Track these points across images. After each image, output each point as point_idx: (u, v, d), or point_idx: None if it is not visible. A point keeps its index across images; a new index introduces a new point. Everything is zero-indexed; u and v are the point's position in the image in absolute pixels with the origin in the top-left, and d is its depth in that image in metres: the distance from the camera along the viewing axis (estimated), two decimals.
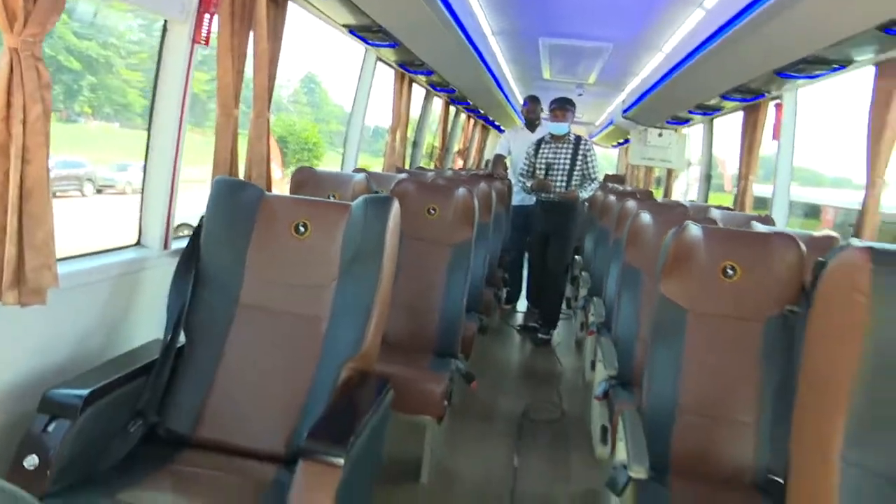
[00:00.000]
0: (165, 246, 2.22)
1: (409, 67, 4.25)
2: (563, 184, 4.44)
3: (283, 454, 1.72)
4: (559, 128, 4.45)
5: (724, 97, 3.87)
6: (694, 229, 2.04)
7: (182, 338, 1.88)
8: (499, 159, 5.60)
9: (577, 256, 5.46)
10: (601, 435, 2.49)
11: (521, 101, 5.64)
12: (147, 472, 1.57)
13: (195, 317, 1.90)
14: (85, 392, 1.50)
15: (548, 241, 4.65)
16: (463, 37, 3.61)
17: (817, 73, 2.76)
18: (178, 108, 2.13)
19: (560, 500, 2.58)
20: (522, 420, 3.33)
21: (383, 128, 5.34)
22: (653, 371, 1.97)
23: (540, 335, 4.78)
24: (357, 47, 4.14)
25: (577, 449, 3.03)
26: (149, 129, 2.17)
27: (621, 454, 1.91)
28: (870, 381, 1.03)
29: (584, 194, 4.47)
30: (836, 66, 2.60)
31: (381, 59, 4.28)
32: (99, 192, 11.57)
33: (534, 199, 4.85)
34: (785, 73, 2.85)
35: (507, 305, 5.47)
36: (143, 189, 2.19)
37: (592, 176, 4.49)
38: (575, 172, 4.44)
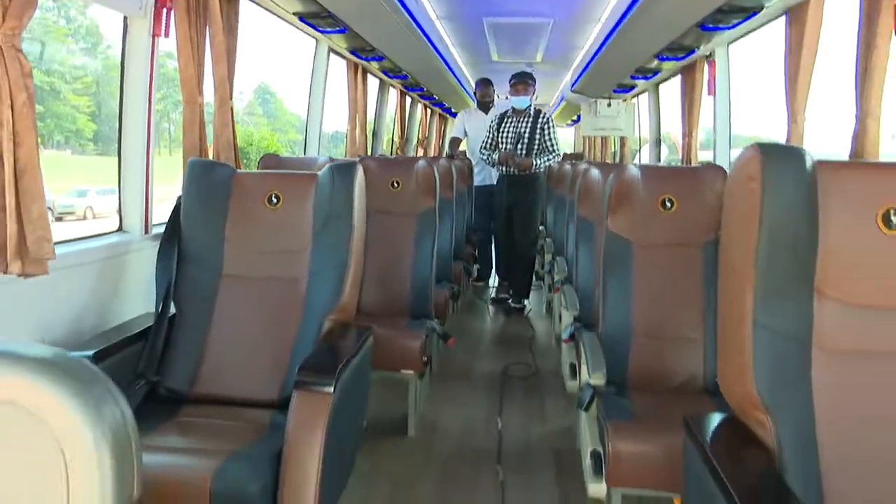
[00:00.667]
0: (146, 230, 2.34)
1: (360, 54, 4.38)
2: (524, 156, 4.57)
3: (277, 399, 1.88)
4: (521, 101, 4.56)
5: (660, 57, 4.10)
6: (633, 169, 2.25)
7: (172, 309, 2.02)
8: (455, 141, 5.78)
9: (541, 227, 5.68)
10: (570, 373, 2.69)
11: (474, 85, 5.83)
12: (153, 425, 1.71)
13: (182, 290, 2.04)
14: (90, 353, 1.64)
15: (512, 213, 4.77)
16: (410, 20, 3.76)
17: (735, 21, 2.99)
18: (145, 100, 2.26)
19: (539, 438, 2.77)
20: (502, 377, 3.53)
21: (342, 132, 5.45)
22: (606, 300, 2.17)
23: (512, 304, 4.98)
24: (309, 48, 4.29)
25: (551, 396, 3.24)
26: (119, 122, 2.29)
27: (585, 377, 2.11)
28: (766, 256, 1.23)
29: (539, 161, 4.60)
30: (750, 13, 2.84)
31: (333, 51, 4.42)
32: (59, 219, 11.45)
33: (495, 179, 5.03)
34: (706, 26, 3.08)
35: (479, 283, 5.67)
36: (119, 178, 2.31)
37: (551, 148, 4.62)
38: (535, 145, 4.57)
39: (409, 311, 3.03)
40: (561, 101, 8.39)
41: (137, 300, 2.19)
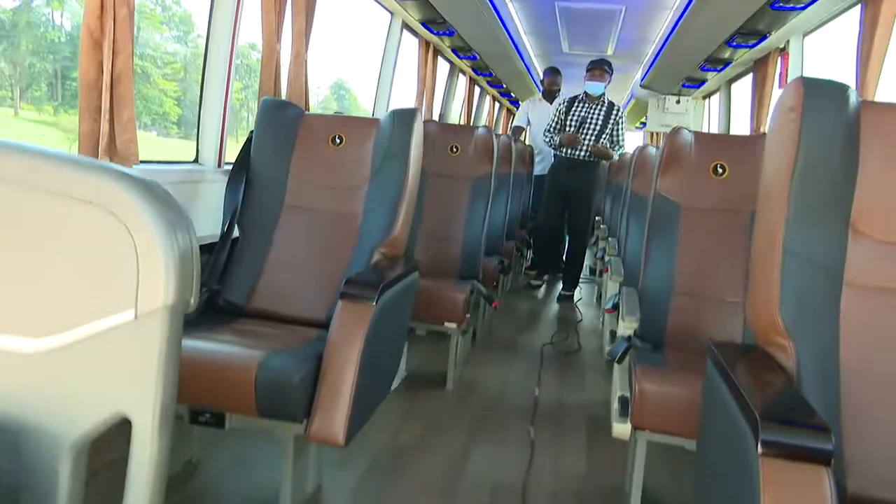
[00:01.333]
0: (219, 164, 2.52)
1: (432, 27, 4.49)
2: (593, 144, 4.47)
3: (325, 319, 2.00)
4: (596, 87, 4.47)
5: (730, 44, 4.04)
6: (686, 133, 2.27)
7: (236, 233, 2.19)
8: (518, 129, 5.80)
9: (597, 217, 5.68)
10: (610, 338, 2.72)
11: (542, 74, 5.86)
12: (212, 327, 1.87)
13: (247, 215, 2.19)
14: None
15: (569, 199, 4.68)
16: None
17: (807, 1, 2.95)
18: (228, 43, 2.44)
19: (575, 406, 2.81)
20: (544, 348, 3.58)
21: None
22: (649, 259, 2.20)
23: (563, 291, 4.97)
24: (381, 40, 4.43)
25: (592, 371, 3.27)
26: (204, 65, 2.48)
27: (622, 331, 2.15)
28: (801, 185, 1.26)
29: (616, 155, 4.56)
30: None
31: (406, 27, 4.56)
32: None
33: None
34: (777, 5, 3.04)
35: (537, 281, 5.34)
36: (199, 116, 2.49)
37: (620, 143, 4.53)
38: (605, 134, 4.46)
39: (457, 272, 3.13)
40: (630, 99, 8.31)
41: (207, 225, 2.36)
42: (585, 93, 4.56)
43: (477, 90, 7.53)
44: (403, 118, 2.20)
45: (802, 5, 2.97)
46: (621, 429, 1.83)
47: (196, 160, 2.50)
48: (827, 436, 0.95)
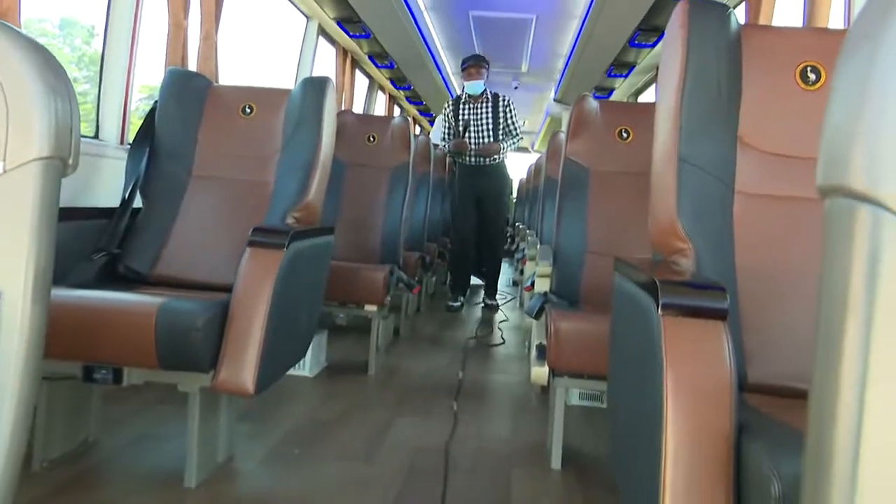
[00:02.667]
0: (121, 141, 2.41)
1: (348, 28, 4.49)
2: (485, 142, 4.29)
3: (233, 284, 1.92)
4: (475, 86, 4.26)
5: (633, 43, 4.27)
6: (591, 100, 2.36)
7: (140, 203, 2.08)
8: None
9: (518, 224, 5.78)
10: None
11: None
12: (109, 288, 1.75)
13: (151, 184, 2.10)
14: None
15: (480, 202, 4.44)
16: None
17: None
18: (131, 12, 2.36)
19: (499, 385, 2.80)
20: (468, 341, 3.57)
21: None
22: (562, 220, 2.25)
23: (486, 300, 4.83)
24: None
25: (518, 361, 3.28)
26: (105, 34, 2.38)
27: (538, 286, 2.18)
28: (689, 99, 1.33)
29: (506, 146, 4.34)
30: None
31: (322, 33, 4.57)
32: None
33: None
34: None
35: (454, 304, 4.73)
36: (99, 87, 2.38)
37: (515, 132, 4.33)
38: (500, 130, 4.27)
39: (377, 259, 3.10)
40: (546, 117, 8.60)
41: (110, 201, 2.24)
42: (467, 94, 4.35)
43: (397, 109, 7.62)
44: (315, 86, 2.18)
45: None
46: (539, 372, 1.84)
47: (96, 136, 2.38)
48: (722, 294, 0.98)
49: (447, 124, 4.43)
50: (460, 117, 4.36)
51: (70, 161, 0.84)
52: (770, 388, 1.21)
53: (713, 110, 1.35)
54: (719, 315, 0.96)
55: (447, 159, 5.36)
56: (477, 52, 4.61)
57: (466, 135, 4.31)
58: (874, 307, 0.48)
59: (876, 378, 0.48)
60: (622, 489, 1.24)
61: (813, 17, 2.38)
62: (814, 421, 0.54)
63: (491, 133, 4.31)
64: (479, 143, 4.31)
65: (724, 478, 0.89)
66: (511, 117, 4.33)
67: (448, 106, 4.46)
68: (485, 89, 4.34)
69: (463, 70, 4.32)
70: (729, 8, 1.39)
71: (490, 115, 4.30)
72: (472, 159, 4.37)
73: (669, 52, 1.38)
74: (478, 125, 4.31)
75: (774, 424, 0.95)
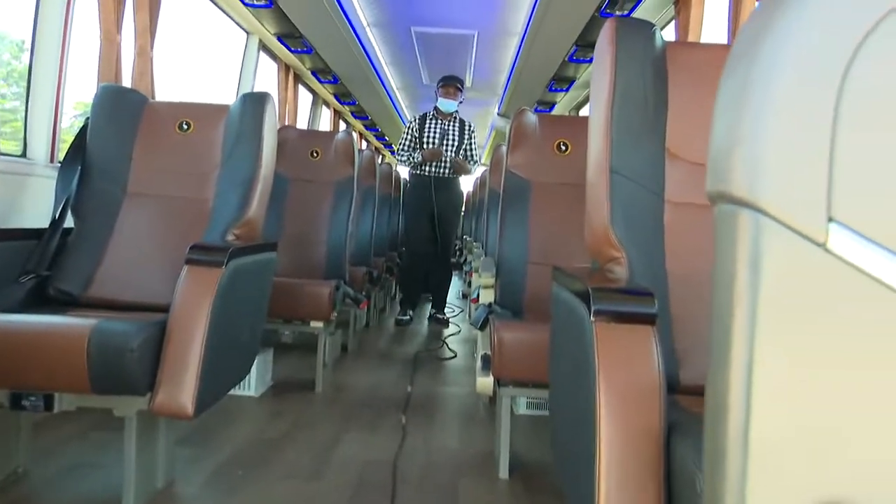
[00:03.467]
0: (51, 159, 2.32)
1: (289, 44, 4.46)
2: (453, 157, 4.39)
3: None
4: (448, 104, 4.36)
5: (571, 59, 4.39)
6: (530, 114, 2.41)
7: (71, 223, 2.01)
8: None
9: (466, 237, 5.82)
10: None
11: (408, 113, 5.97)
12: (38, 312, 1.68)
13: (84, 203, 2.03)
14: None
15: (439, 219, 4.47)
16: (341, 12, 3.93)
17: (630, 8, 3.29)
18: (60, 23, 2.29)
19: (448, 396, 2.81)
20: (417, 355, 3.57)
21: None
22: (504, 231, 2.29)
23: (434, 313, 4.81)
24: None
25: (467, 373, 3.29)
26: (32, 43, 2.30)
27: (483, 297, 2.20)
28: (619, 113, 1.39)
29: (472, 167, 4.50)
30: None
31: (264, 49, 4.53)
32: None
33: None
34: (605, 12, 3.36)
35: (404, 317, 4.74)
36: (26, 104, 2.30)
37: (475, 158, 4.49)
38: (462, 150, 4.43)
39: (322, 275, 3.07)
40: (490, 132, 8.73)
41: (39, 221, 2.16)
42: (437, 108, 4.43)
43: (342, 125, 7.59)
44: (254, 101, 2.16)
45: (627, 12, 3.31)
46: (484, 382, 1.85)
47: (24, 154, 2.29)
48: (650, 300, 1.02)
49: (410, 137, 4.48)
50: (427, 130, 4.42)
51: None
52: (701, 389, 1.25)
53: (642, 123, 1.40)
54: (648, 320, 0.99)
55: (393, 174, 5.38)
56: (443, 72, 4.70)
57: (437, 144, 4.37)
58: (757, 307, 0.52)
59: (760, 370, 0.52)
60: (565, 492, 1.27)
61: (737, 33, 2.51)
62: (709, 415, 0.58)
63: (455, 152, 4.42)
64: (444, 158, 4.39)
65: (655, 476, 0.93)
66: (473, 143, 4.50)
67: (414, 121, 4.54)
68: (456, 111, 4.46)
69: (441, 86, 4.42)
70: (654, 26, 1.46)
71: (457, 134, 4.43)
72: (433, 170, 4.44)
73: (599, 68, 1.43)
74: (445, 141, 4.40)
75: (702, 423, 0.99)
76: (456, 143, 4.42)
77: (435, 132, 4.42)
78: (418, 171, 4.49)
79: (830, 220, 0.51)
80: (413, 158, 4.46)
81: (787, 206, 0.52)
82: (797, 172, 0.52)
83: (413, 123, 4.53)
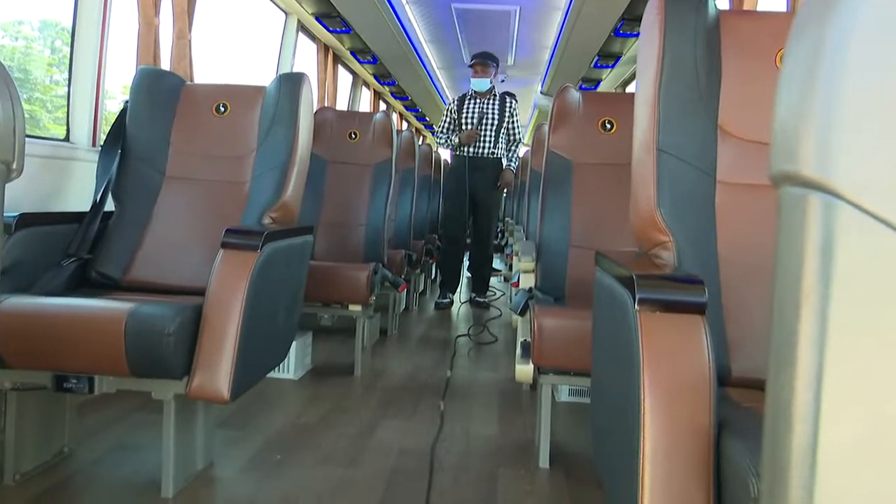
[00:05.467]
0: (93, 143, 2.35)
1: (327, 24, 4.43)
2: (493, 139, 4.31)
3: None
4: (481, 83, 4.25)
5: (618, 33, 4.23)
6: (573, 92, 2.32)
7: (111, 206, 2.03)
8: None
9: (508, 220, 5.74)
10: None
11: (449, 94, 5.88)
12: (80, 296, 1.70)
13: (124, 187, 2.05)
14: (15, 214, 1.65)
15: (473, 198, 4.40)
16: None
17: None
18: (100, 8, 2.30)
19: (487, 382, 2.77)
20: (457, 339, 3.54)
21: None
22: (545, 214, 2.22)
23: (475, 297, 4.77)
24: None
25: (507, 357, 3.24)
26: (73, 29, 2.32)
27: (523, 282, 2.14)
28: (667, 89, 1.30)
29: (514, 163, 4.40)
30: None
31: (303, 29, 4.51)
32: None
33: None
34: None
35: (444, 300, 4.71)
36: (68, 89, 2.33)
37: (517, 137, 4.36)
38: (503, 128, 4.31)
39: (361, 258, 3.05)
40: (533, 111, 8.57)
41: (82, 206, 2.19)
42: (473, 90, 4.35)
43: (382, 105, 7.56)
44: (290, 82, 2.13)
45: None
46: (523, 370, 1.80)
47: (66, 138, 2.33)
48: (700, 288, 0.94)
49: (449, 119, 4.39)
50: (466, 111, 4.32)
51: (14, 165, 0.79)
52: (754, 382, 1.18)
53: (692, 99, 1.31)
54: (697, 309, 0.92)
55: (433, 155, 5.32)
56: (483, 50, 4.51)
57: (474, 125, 4.26)
58: (829, 300, 0.45)
59: (832, 374, 0.45)
60: (606, 486, 1.21)
61: (797, 1, 2.36)
62: (770, 421, 0.51)
63: (494, 131, 4.31)
64: (481, 138, 4.30)
65: (704, 475, 0.86)
66: (515, 121, 4.37)
67: (452, 102, 4.44)
68: (492, 87, 4.32)
69: (471, 66, 4.32)
70: None
71: (497, 113, 4.29)
72: (472, 150, 4.33)
73: (646, 41, 1.34)
74: (485, 120, 4.29)
75: (755, 419, 0.92)
76: (496, 123, 4.30)
77: (473, 112, 4.31)
78: (457, 153, 4.42)
79: None
80: (451, 141, 4.39)
81: (865, 188, 0.45)
82: (878, 149, 0.44)
83: (452, 105, 4.45)
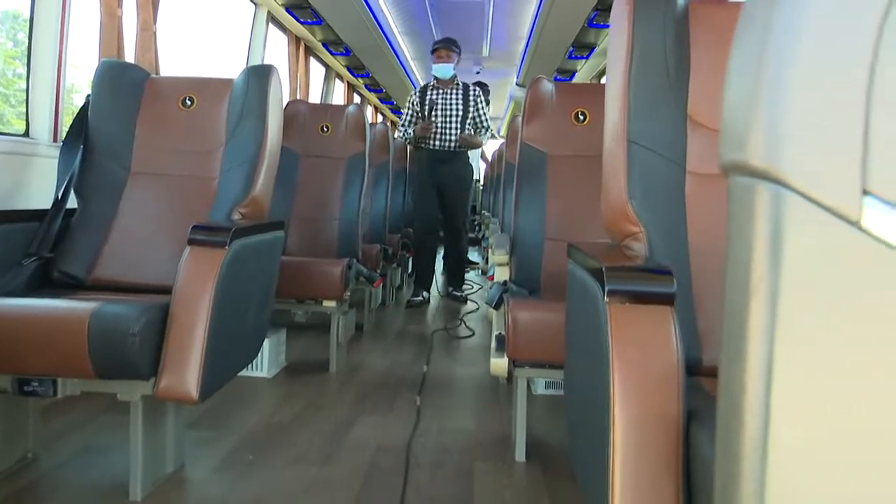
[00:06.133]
0: (54, 139, 2.28)
1: (297, 14, 4.34)
2: (457, 131, 4.13)
3: None
4: (444, 69, 4.08)
5: (591, 24, 4.23)
6: (546, 83, 2.30)
7: (75, 204, 1.97)
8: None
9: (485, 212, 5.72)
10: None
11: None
12: (41, 296, 1.65)
13: (87, 182, 1.99)
14: None
15: (442, 193, 4.26)
16: None
17: None
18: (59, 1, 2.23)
19: (464, 377, 2.75)
20: (434, 334, 3.52)
21: None
22: (520, 207, 2.21)
23: (451, 291, 4.68)
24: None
25: (485, 353, 3.23)
26: (31, 20, 2.24)
27: (498, 275, 2.13)
28: (637, 78, 1.29)
29: (484, 139, 4.26)
30: None
31: (273, 21, 4.43)
32: None
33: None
34: None
35: (416, 298, 4.54)
36: (27, 83, 2.25)
37: (485, 125, 4.21)
38: (468, 120, 4.13)
39: (335, 253, 3.02)
40: (509, 103, 8.57)
41: (44, 201, 2.13)
42: (435, 78, 4.17)
43: (357, 98, 7.48)
44: (258, 74, 2.08)
45: None
46: (498, 363, 1.79)
47: (26, 133, 2.25)
48: (668, 279, 0.94)
49: (412, 112, 4.22)
50: (426, 102, 4.15)
51: None
52: None
53: (661, 89, 1.31)
54: (666, 300, 0.92)
55: (408, 148, 5.26)
56: (446, 37, 4.37)
57: (432, 116, 4.09)
58: (778, 292, 0.44)
59: (782, 367, 0.44)
60: (579, 478, 1.21)
61: None
62: (722, 416, 0.50)
63: (459, 123, 4.12)
64: (445, 131, 4.13)
65: (674, 464, 0.86)
66: (481, 110, 4.19)
67: (414, 94, 4.27)
68: (454, 76, 4.17)
69: (432, 53, 4.16)
70: None
71: (460, 103, 4.12)
72: (436, 143, 4.16)
73: (615, 32, 1.33)
74: (446, 111, 4.12)
75: None
76: (460, 114, 4.11)
77: (436, 103, 4.13)
78: (421, 146, 4.22)
79: (865, 193, 0.42)
80: (407, 135, 4.23)
81: (813, 177, 0.43)
82: (825, 138, 0.43)
83: (413, 96, 4.25)
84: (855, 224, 0.42)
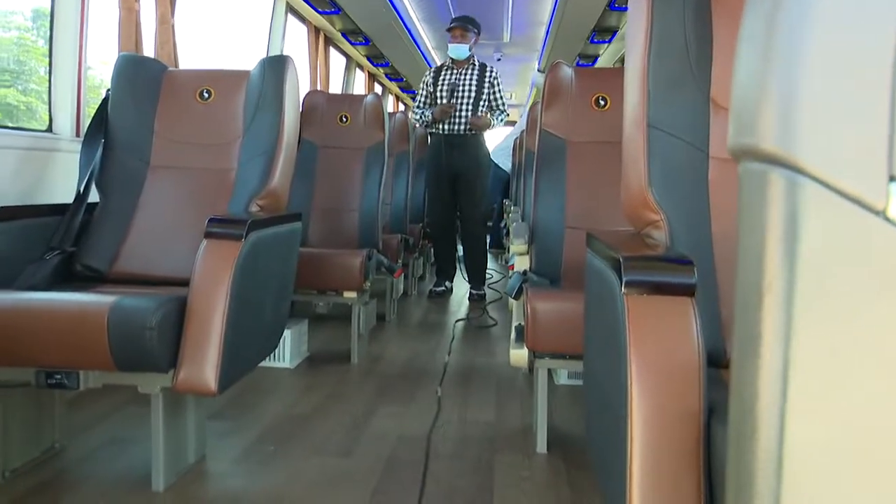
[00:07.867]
0: (77, 133, 2.30)
1: (315, 5, 4.35)
2: (468, 114, 3.94)
3: None
4: (459, 49, 3.91)
5: (613, 6, 4.14)
6: (565, 68, 2.26)
7: (96, 198, 1.99)
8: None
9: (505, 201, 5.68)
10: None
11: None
12: (63, 290, 1.67)
13: (108, 177, 2.01)
14: None
15: (455, 180, 4.08)
16: None
17: None
18: None
19: (485, 368, 2.74)
20: (456, 324, 3.51)
21: None
22: (539, 195, 2.17)
23: (472, 291, 4.37)
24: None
25: (507, 343, 3.20)
26: (52, 15, 2.26)
27: (518, 264, 2.10)
28: (656, 61, 1.25)
29: (496, 121, 4.03)
30: None
31: (291, 11, 4.42)
32: None
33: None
34: None
35: (439, 288, 4.49)
36: (49, 79, 2.28)
37: (501, 107, 4.01)
38: (482, 101, 3.94)
39: (355, 244, 3.01)
40: (531, 90, 8.47)
41: (67, 196, 2.16)
42: (451, 58, 4.00)
43: (378, 88, 7.46)
44: (274, 66, 2.08)
45: None
46: (518, 354, 1.77)
47: (49, 129, 2.28)
48: (689, 269, 0.90)
49: (425, 93, 4.05)
50: (440, 83, 3.98)
51: None
52: None
53: (682, 72, 1.26)
54: (686, 291, 0.88)
55: (429, 137, 5.20)
56: (462, 15, 4.17)
57: (452, 98, 3.91)
58: (794, 286, 0.40)
59: (798, 369, 0.40)
60: (597, 471, 1.19)
61: None
62: (734, 419, 0.47)
63: (472, 104, 3.94)
64: (456, 113, 3.95)
65: (695, 460, 0.83)
66: (497, 92, 4.01)
67: (428, 74, 4.09)
68: (471, 55, 3.98)
69: (448, 31, 3.99)
70: None
71: (474, 84, 3.94)
72: (445, 127, 3.98)
73: (634, 13, 1.29)
74: (458, 92, 3.94)
75: None
76: (474, 94, 3.92)
77: (448, 83, 3.95)
78: (432, 130, 4.06)
79: (893, 179, 0.38)
80: (424, 118, 4.02)
81: (832, 162, 0.39)
82: (845, 117, 0.39)
83: (427, 77, 4.06)
84: (880, 213, 0.38)
